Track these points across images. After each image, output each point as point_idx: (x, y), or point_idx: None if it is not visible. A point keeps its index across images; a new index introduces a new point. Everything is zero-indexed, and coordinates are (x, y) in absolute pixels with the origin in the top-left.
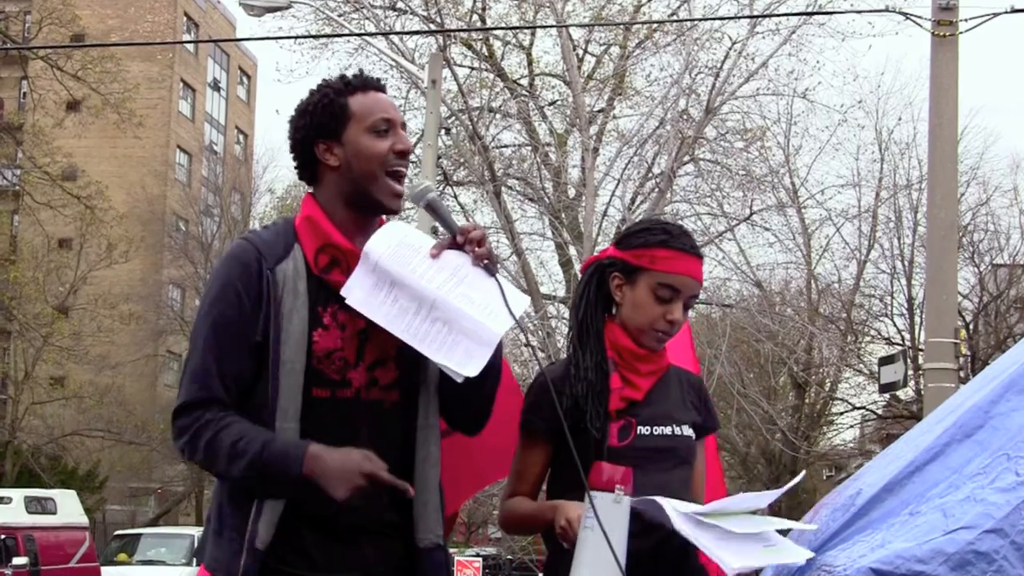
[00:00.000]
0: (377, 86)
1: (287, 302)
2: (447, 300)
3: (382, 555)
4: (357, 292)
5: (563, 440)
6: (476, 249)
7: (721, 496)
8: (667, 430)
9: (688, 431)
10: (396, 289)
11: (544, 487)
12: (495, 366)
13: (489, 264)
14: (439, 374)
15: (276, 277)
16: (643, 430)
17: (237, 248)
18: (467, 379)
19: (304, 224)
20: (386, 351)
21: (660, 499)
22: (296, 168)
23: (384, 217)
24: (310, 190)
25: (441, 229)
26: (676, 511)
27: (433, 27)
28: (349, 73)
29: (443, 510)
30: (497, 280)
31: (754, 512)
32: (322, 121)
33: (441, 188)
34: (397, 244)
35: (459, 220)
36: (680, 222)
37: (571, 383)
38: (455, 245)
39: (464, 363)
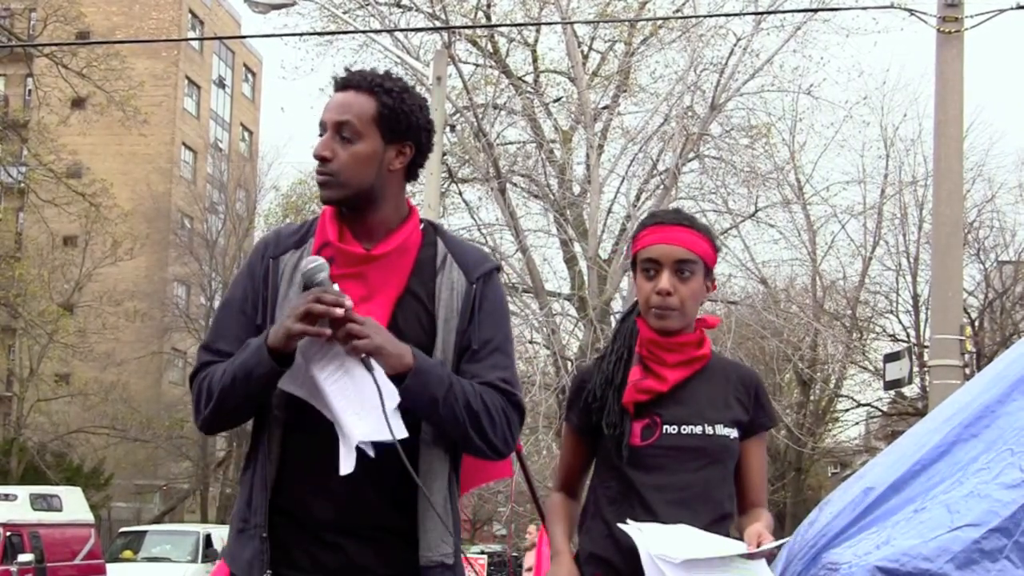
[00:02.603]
0: (340, 85)
1: (283, 289)
2: (329, 394)
3: (382, 561)
4: (286, 378)
5: (598, 436)
6: (349, 344)
7: None
8: (696, 429)
9: (724, 430)
10: (306, 373)
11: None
12: (465, 419)
13: (366, 359)
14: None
15: (279, 266)
16: (669, 429)
17: (258, 240)
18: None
19: (321, 220)
20: None
21: (639, 538)
22: None
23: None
24: None
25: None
26: (650, 558)
27: (438, 24)
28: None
29: (453, 523)
30: (373, 376)
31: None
32: None
33: (446, 185)
34: None
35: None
36: None
37: (594, 378)
38: None
39: (344, 457)
